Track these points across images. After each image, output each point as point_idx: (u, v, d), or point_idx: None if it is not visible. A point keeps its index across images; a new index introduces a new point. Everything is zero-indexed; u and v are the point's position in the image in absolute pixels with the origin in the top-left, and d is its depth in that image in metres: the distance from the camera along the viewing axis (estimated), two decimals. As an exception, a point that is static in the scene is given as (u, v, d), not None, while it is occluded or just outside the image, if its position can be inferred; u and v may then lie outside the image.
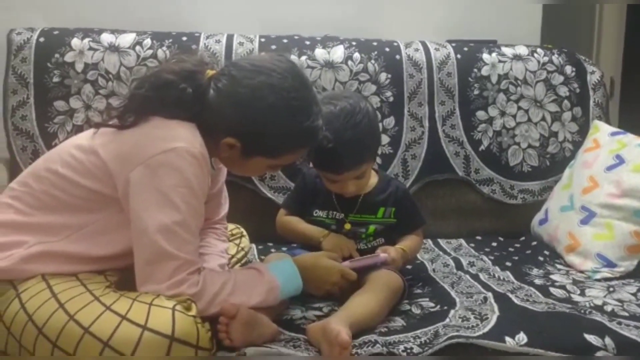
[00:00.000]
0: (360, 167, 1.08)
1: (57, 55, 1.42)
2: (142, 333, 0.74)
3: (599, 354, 0.88)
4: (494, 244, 1.49)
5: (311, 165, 1.16)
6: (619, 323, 0.95)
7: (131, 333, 0.74)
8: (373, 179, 1.19)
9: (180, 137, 0.86)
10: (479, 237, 1.53)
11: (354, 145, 1.04)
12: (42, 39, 1.43)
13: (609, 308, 1.03)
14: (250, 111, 0.90)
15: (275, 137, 0.92)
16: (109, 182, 0.86)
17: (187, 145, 0.86)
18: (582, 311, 1.00)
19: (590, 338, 0.90)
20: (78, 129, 1.41)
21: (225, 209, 1.21)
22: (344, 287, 1.04)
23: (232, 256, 1.22)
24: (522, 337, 0.90)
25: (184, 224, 0.85)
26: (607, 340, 0.90)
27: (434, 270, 1.28)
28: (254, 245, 1.38)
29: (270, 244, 1.41)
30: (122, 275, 0.93)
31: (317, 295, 1.05)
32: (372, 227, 1.17)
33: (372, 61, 1.54)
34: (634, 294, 1.11)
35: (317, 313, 1.03)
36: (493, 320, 0.95)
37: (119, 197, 0.86)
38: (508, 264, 1.32)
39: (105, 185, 0.87)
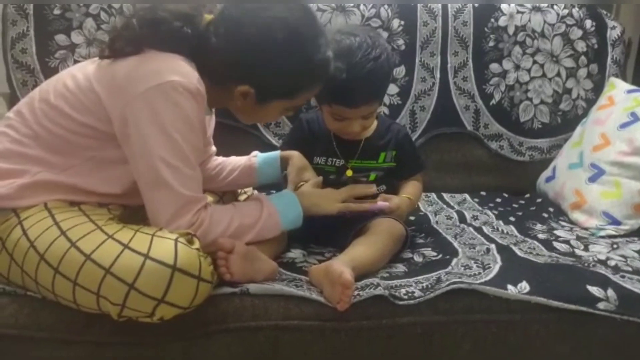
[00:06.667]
0: (373, 103, 1.06)
1: (58, -14, 1.37)
2: (144, 261, 0.73)
3: (601, 305, 0.88)
4: (498, 200, 1.48)
5: (314, 104, 1.10)
6: (622, 276, 0.95)
7: (133, 261, 0.74)
8: (373, 124, 1.17)
9: (176, 70, 0.82)
10: (483, 193, 1.52)
11: (372, 79, 1.01)
12: (42, -32, 1.37)
13: (612, 263, 1.03)
14: (260, 52, 0.85)
15: (289, 76, 0.89)
16: (103, 116, 0.83)
17: (183, 80, 0.81)
18: (586, 264, 1.00)
19: (593, 289, 0.90)
20: (80, 65, 1.37)
21: (213, 149, 1.18)
22: (353, 207, 1.03)
23: (236, 197, 1.21)
24: (524, 285, 0.89)
25: (186, 160, 0.82)
26: (610, 292, 0.89)
27: (437, 222, 1.27)
28: (255, 192, 1.37)
29: (273, 191, 1.40)
30: (124, 211, 0.92)
31: (334, 215, 1.02)
32: (373, 175, 1.15)
33: (386, 6, 1.48)
34: (638, 252, 1.10)
35: (319, 258, 1.03)
36: (495, 269, 0.95)
37: (114, 132, 0.83)
38: (512, 218, 1.31)
39: (99, 119, 0.83)
